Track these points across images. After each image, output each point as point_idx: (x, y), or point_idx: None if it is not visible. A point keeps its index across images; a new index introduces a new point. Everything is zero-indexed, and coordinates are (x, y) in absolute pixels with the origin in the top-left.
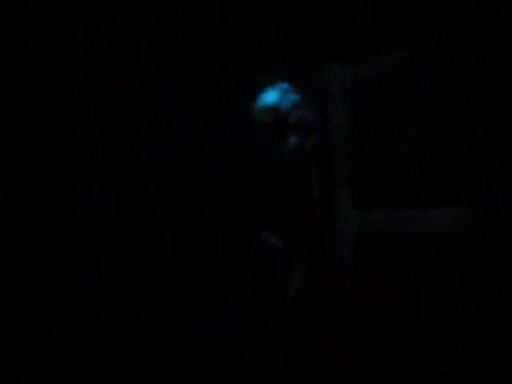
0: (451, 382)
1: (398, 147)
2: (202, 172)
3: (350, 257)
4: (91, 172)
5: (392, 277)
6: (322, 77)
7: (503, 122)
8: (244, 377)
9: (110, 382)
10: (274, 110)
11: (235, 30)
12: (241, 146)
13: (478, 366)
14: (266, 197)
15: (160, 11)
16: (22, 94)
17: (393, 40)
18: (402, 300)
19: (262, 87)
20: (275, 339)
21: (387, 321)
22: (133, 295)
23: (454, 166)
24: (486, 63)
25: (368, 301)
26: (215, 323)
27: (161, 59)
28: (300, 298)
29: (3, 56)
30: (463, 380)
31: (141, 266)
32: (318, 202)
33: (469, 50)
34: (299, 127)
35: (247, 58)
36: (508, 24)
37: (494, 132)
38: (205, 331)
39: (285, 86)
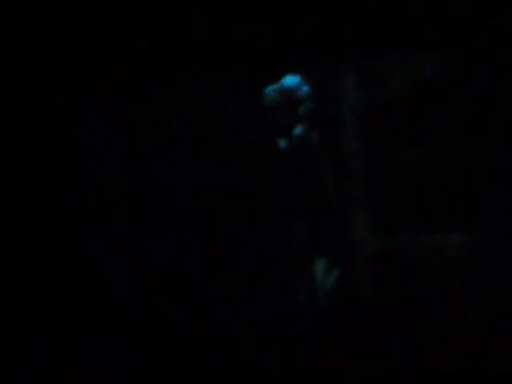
0: None
1: (412, 169)
2: (202, 172)
3: (366, 276)
4: (91, 172)
5: (404, 293)
6: (334, 97)
7: None
8: (244, 377)
9: (110, 382)
10: (291, 92)
11: (242, 35)
12: (242, 144)
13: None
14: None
15: (160, 11)
16: (21, 93)
17: (406, 61)
18: (413, 315)
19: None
20: (275, 340)
21: (396, 333)
22: (133, 295)
23: (469, 188)
24: (499, 83)
25: (378, 311)
26: (215, 323)
27: (161, 59)
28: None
29: (3, 56)
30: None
31: (141, 265)
32: (326, 199)
33: (482, 70)
34: (308, 118)
35: (254, 65)
36: None
37: (507, 153)
38: (205, 331)
39: (301, 77)
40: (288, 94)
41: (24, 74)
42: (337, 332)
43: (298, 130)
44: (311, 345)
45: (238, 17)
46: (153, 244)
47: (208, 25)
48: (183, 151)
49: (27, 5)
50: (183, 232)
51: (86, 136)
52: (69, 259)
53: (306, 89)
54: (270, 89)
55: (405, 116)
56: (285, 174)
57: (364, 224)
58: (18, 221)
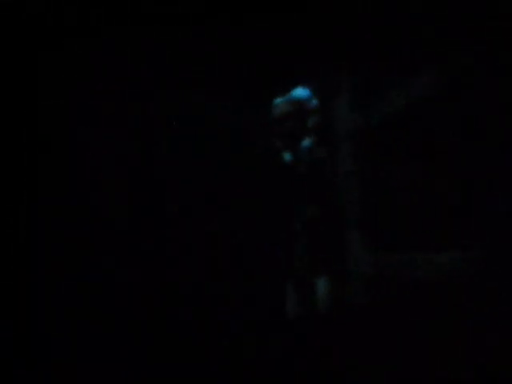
0: None
1: (407, 188)
2: (201, 172)
3: (361, 296)
4: (91, 172)
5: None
6: (330, 118)
7: None
8: (244, 377)
9: (110, 382)
10: (301, 103)
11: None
12: (241, 146)
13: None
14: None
15: (161, 12)
16: (22, 94)
17: (401, 82)
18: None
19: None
20: (275, 341)
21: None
22: (133, 294)
23: (465, 207)
24: (501, 107)
25: (374, 324)
26: (215, 323)
27: (161, 59)
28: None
29: (3, 57)
30: None
31: (141, 265)
32: (328, 215)
33: (481, 90)
34: (315, 132)
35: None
36: None
37: (506, 168)
38: (205, 331)
39: (310, 91)
40: (298, 105)
41: (24, 74)
42: (331, 343)
43: (306, 142)
44: (303, 352)
45: (245, 28)
46: (153, 244)
47: (211, 33)
48: (183, 151)
49: (27, 5)
50: (183, 231)
51: (86, 136)
52: (69, 259)
53: (315, 102)
54: (280, 100)
55: (400, 134)
56: (288, 187)
57: (360, 241)
58: (18, 221)
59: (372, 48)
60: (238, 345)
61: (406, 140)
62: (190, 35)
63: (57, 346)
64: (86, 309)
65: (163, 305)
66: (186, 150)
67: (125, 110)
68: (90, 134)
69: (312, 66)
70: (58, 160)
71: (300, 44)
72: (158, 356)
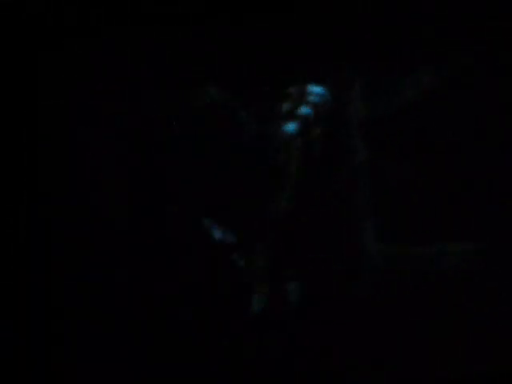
0: None
1: (417, 181)
2: (202, 172)
3: (369, 283)
4: (91, 172)
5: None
6: (339, 111)
7: None
8: (244, 377)
9: (110, 382)
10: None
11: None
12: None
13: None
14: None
15: (160, 11)
16: (22, 94)
17: (408, 77)
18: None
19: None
20: (275, 340)
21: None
22: (133, 295)
23: (472, 200)
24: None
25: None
26: (215, 323)
27: (161, 60)
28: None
29: (3, 57)
30: None
31: (141, 265)
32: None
33: (486, 85)
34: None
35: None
36: None
37: (508, 161)
38: (205, 331)
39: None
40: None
41: (24, 74)
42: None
43: (291, 125)
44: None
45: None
46: (153, 244)
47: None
48: (183, 151)
49: (27, 5)
50: (183, 231)
51: (86, 136)
52: (69, 259)
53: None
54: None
55: (409, 127)
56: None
57: (368, 232)
58: (18, 221)
59: (372, 48)
60: (238, 345)
61: (414, 133)
62: (190, 35)
63: (57, 346)
64: (86, 309)
65: (163, 305)
66: (186, 150)
67: (125, 110)
68: (89, 134)
69: (312, 66)
70: (58, 160)
71: (300, 44)
72: (158, 356)
